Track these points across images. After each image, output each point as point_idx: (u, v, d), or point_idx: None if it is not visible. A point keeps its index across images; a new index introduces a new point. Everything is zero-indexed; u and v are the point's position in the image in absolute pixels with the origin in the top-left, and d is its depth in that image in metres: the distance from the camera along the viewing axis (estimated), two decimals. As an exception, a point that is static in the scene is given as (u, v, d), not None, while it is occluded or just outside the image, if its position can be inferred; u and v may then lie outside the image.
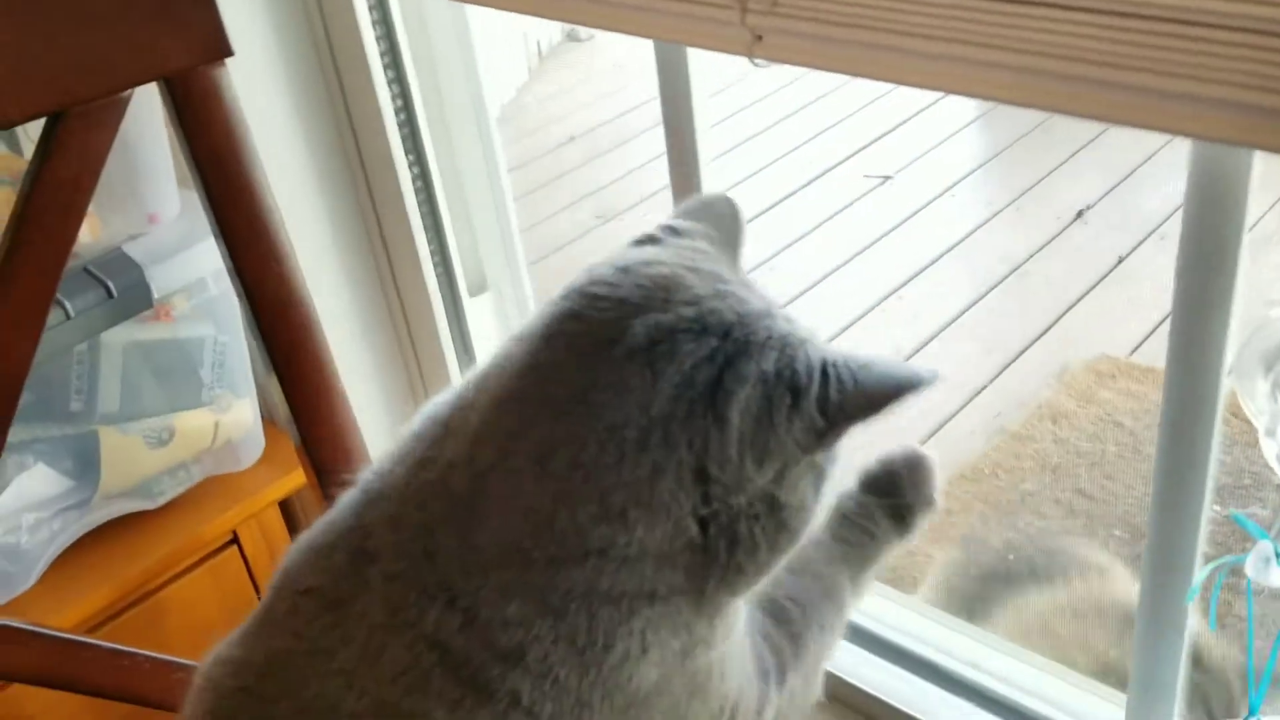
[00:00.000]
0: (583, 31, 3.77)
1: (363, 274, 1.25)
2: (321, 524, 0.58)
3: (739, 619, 0.59)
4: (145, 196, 1.04)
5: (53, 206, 0.85)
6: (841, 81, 3.40)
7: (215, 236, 0.92)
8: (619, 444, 0.50)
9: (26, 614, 1.07)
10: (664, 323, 0.51)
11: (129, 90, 0.88)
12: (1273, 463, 0.69)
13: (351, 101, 1.16)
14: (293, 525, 1.24)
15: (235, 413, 1.16)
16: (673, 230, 0.58)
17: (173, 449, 1.13)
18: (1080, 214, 2.78)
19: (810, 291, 2.63)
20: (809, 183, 3.08)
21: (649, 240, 0.57)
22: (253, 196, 0.93)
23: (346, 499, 0.57)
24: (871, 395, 0.51)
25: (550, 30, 3.78)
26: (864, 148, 3.18)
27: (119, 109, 0.88)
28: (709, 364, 0.51)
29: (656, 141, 3.38)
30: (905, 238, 2.81)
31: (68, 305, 0.97)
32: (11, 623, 0.89)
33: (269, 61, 1.13)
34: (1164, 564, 0.82)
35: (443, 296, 1.25)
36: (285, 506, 1.24)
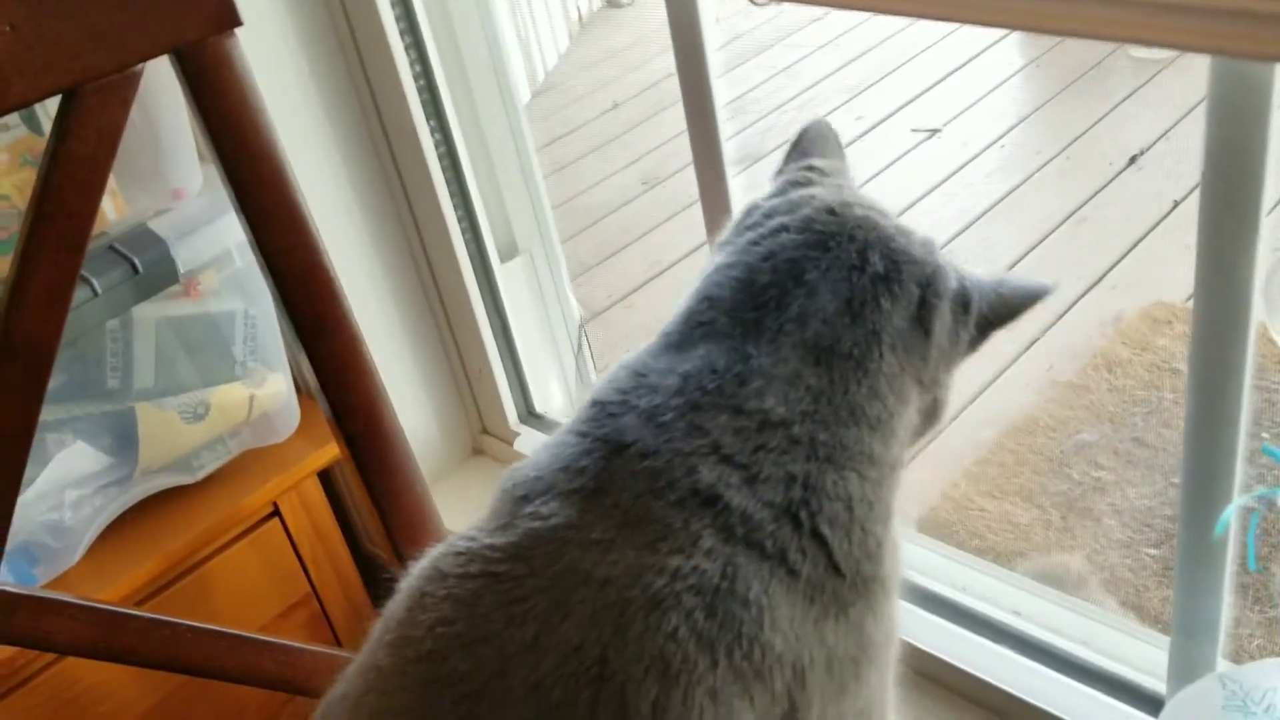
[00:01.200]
0: (622, -4, 3.75)
1: (392, 244, 1.26)
2: (539, 457, 0.61)
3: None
4: (168, 172, 1.05)
5: (72, 183, 0.86)
6: (887, 34, 3.34)
7: (235, 209, 0.92)
8: (878, 347, 0.61)
9: (74, 589, 1.09)
10: (888, 254, 0.63)
11: (141, 64, 0.88)
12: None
13: (371, 71, 1.16)
14: (332, 495, 1.25)
15: (270, 385, 1.17)
16: (820, 170, 0.70)
17: (209, 423, 1.14)
18: (1133, 159, 2.71)
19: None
20: (857, 138, 3.03)
21: (806, 182, 0.69)
22: (270, 166, 0.94)
23: (570, 428, 0.62)
24: (1011, 304, 0.64)
25: (590, -5, 3.77)
26: (910, 101, 3.12)
27: (132, 83, 0.89)
28: (918, 287, 0.62)
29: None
30: (954, 190, 2.76)
31: (94, 282, 0.98)
32: (54, 595, 0.90)
33: (286, 34, 1.13)
34: (1200, 500, 0.80)
35: (472, 263, 1.25)
36: (324, 477, 1.25)
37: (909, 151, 2.93)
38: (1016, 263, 2.45)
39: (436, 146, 1.18)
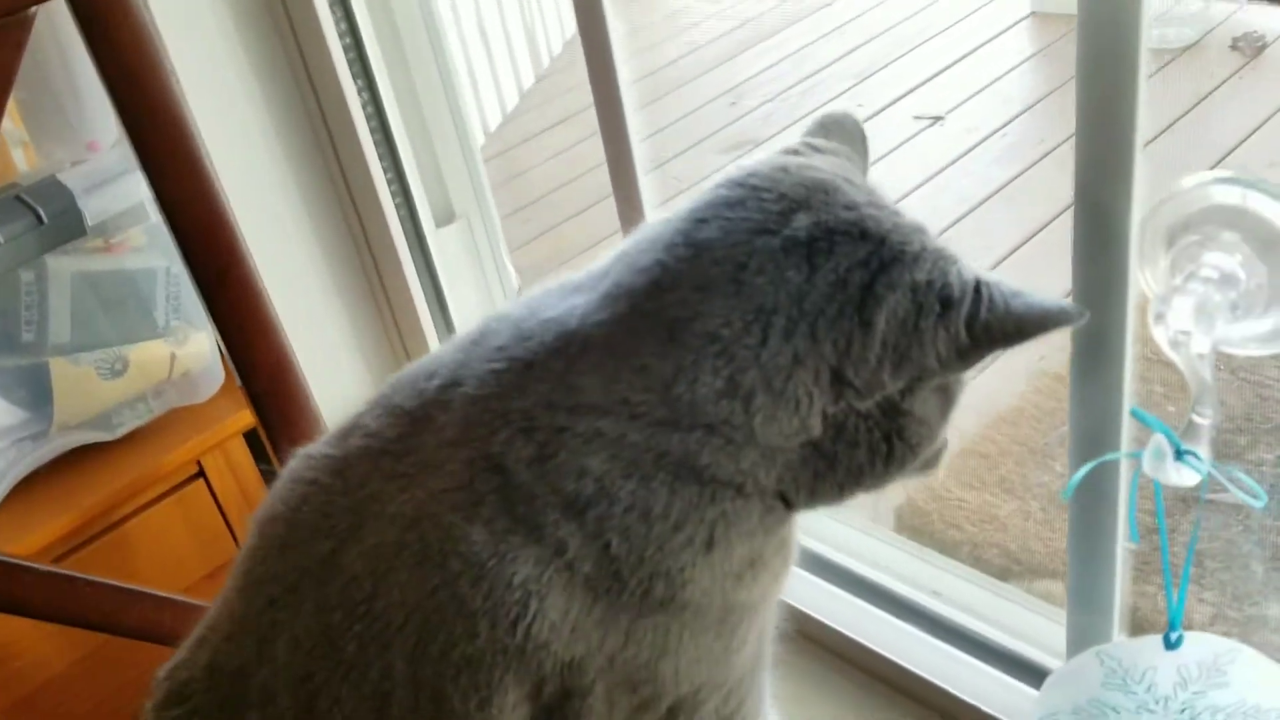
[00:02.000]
0: (632, -18, 3.73)
1: (326, 208, 1.25)
2: (429, 356, 0.59)
3: (776, 594, 0.60)
4: (82, 124, 1.04)
5: None
6: (893, 21, 3.30)
7: (136, 159, 0.91)
8: (764, 328, 0.51)
9: (-16, 541, 1.09)
10: (824, 221, 0.52)
11: (33, 8, 0.88)
12: (1165, 349, 0.64)
13: (300, 35, 1.15)
14: (259, 456, 1.24)
15: (192, 345, 1.17)
16: (814, 148, 0.59)
17: (128, 380, 1.13)
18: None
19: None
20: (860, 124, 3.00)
21: (795, 152, 0.58)
22: (167, 114, 0.93)
23: (460, 338, 0.59)
24: (1021, 321, 0.52)
25: (600, -19, 3.74)
26: (915, 89, 3.08)
27: (25, 27, 0.88)
28: (863, 268, 0.52)
29: (709, 86, 3.31)
30: (954, 177, 2.73)
31: (-3, 231, 0.98)
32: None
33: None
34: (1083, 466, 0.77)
35: (404, 227, 1.24)
36: (252, 437, 1.24)
37: (910, 139, 2.90)
38: (1013, 251, 2.41)
39: (365, 107, 1.17)
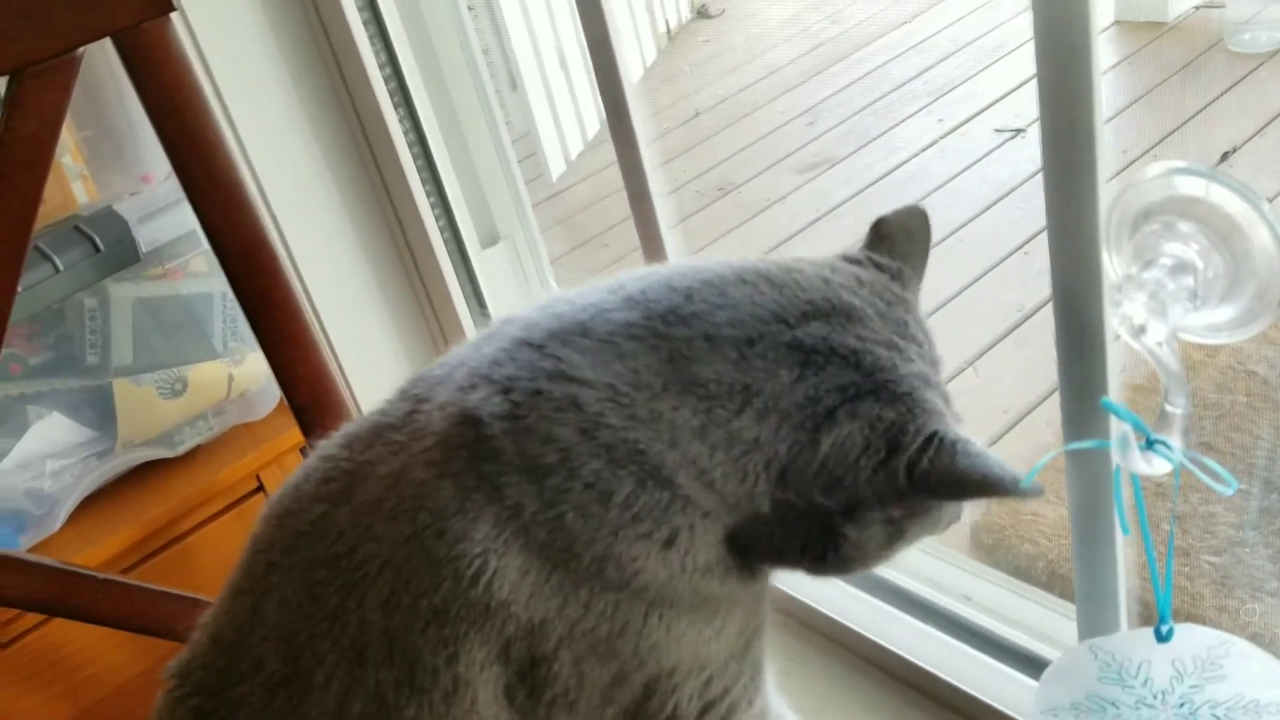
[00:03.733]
0: (713, 6, 3.76)
1: (375, 233, 1.30)
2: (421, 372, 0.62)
3: (765, 592, 0.62)
4: (136, 157, 1.11)
5: (18, 163, 0.91)
6: (972, 37, 3.28)
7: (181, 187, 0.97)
8: (744, 402, 0.54)
9: (56, 555, 1.15)
10: (831, 339, 0.56)
11: (80, 49, 0.94)
12: (1125, 336, 0.64)
13: (344, 66, 1.20)
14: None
15: (249, 365, 1.22)
16: (876, 264, 0.62)
17: (188, 400, 1.20)
18: (1225, 156, 2.59)
19: (937, 248, 2.55)
20: (938, 139, 2.98)
21: (853, 262, 0.62)
22: (206, 144, 0.98)
23: (475, 337, 0.62)
24: (962, 480, 0.54)
25: (681, 7, 3.79)
26: (995, 102, 3.05)
27: (72, 68, 0.95)
28: (838, 393, 0.55)
29: (779, 112, 3.31)
30: (1038, 192, 2.68)
31: (56, 260, 1.05)
32: (11, 554, 0.96)
33: (260, 23, 1.18)
34: (1083, 460, 0.77)
35: (449, 250, 1.28)
36: (307, 452, 1.29)
37: (991, 152, 2.86)
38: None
39: (406, 135, 1.22)
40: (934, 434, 0.54)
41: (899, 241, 0.64)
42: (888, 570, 1.05)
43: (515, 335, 0.58)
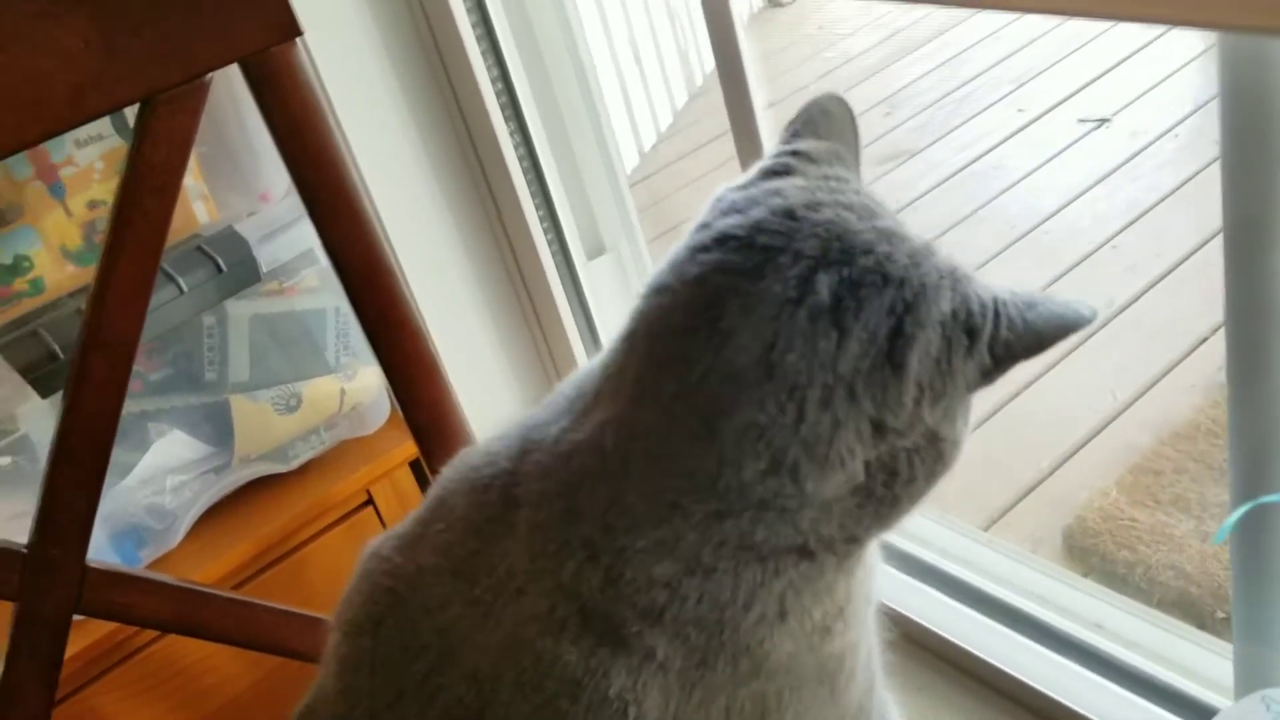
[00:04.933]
0: (785, -4, 3.74)
1: (481, 244, 1.30)
2: (482, 450, 0.59)
3: (869, 620, 0.60)
4: (256, 177, 1.12)
5: (147, 188, 0.91)
6: (1053, 24, 3.22)
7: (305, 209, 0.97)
8: (800, 404, 0.50)
9: (174, 570, 1.17)
10: (846, 277, 0.51)
11: (209, 75, 0.95)
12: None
13: (454, 79, 1.20)
14: (424, 484, 1.30)
15: (361, 380, 1.23)
16: (807, 157, 0.57)
17: (302, 415, 1.20)
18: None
19: (1020, 242, 2.51)
20: (1019, 130, 2.94)
21: (784, 170, 0.56)
22: (331, 167, 0.98)
23: (507, 432, 0.59)
24: (1040, 333, 0.52)
25: (752, -2, 3.77)
26: (1077, 92, 3.00)
27: (201, 93, 0.95)
28: (890, 315, 0.51)
29: (862, 97, 3.28)
30: (1122, 182, 2.64)
31: (180, 280, 1.05)
32: (136, 572, 0.97)
33: (374, 41, 1.18)
34: (1249, 498, 0.75)
35: (555, 260, 1.28)
36: (416, 466, 1.30)
37: (1075, 142, 2.81)
38: (1188, 257, 2.32)
39: (516, 149, 1.22)
40: (994, 303, 0.52)
41: (820, 124, 0.59)
42: (1018, 598, 1.03)
43: (560, 475, 0.55)
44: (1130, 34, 3.01)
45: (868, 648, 0.61)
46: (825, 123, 0.59)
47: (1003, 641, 1.01)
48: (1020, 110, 2.99)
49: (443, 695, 0.55)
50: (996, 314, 0.51)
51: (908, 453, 0.53)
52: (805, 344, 0.50)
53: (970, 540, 1.13)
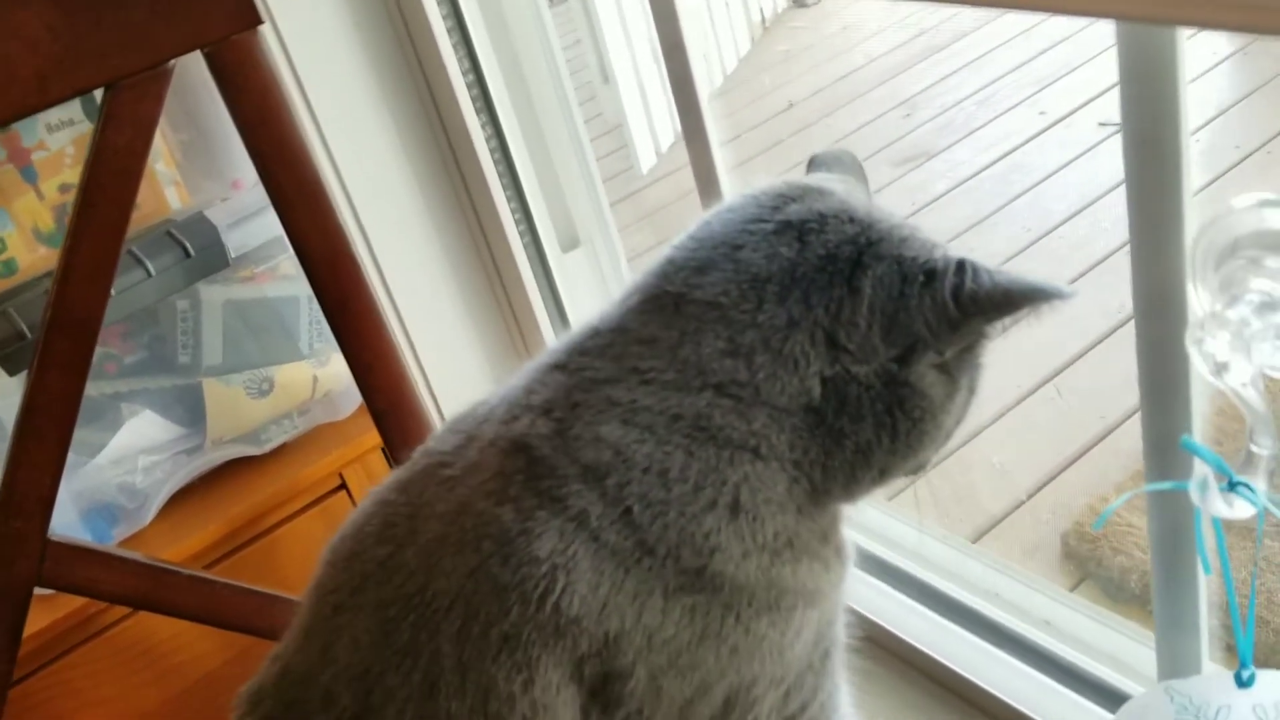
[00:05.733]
0: (808, -5, 3.73)
1: (457, 237, 1.32)
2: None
3: (833, 591, 0.61)
4: (228, 163, 1.14)
5: (111, 172, 0.94)
6: (1077, 28, 3.19)
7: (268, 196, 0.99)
8: (759, 294, 0.55)
9: (146, 549, 1.19)
10: (815, 207, 0.57)
11: (172, 61, 0.97)
12: (1206, 375, 0.61)
13: (428, 71, 1.21)
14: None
15: (334, 366, 1.25)
16: (814, 190, 0.61)
17: (274, 399, 1.22)
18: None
19: (1038, 244, 2.49)
20: (1039, 133, 2.91)
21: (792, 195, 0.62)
22: (293, 154, 1.00)
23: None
24: (1008, 293, 0.54)
25: (776, -4, 3.76)
26: (1099, 95, 2.96)
27: (164, 79, 0.97)
28: (851, 244, 0.56)
29: (876, 104, 3.27)
30: (1140, 188, 2.60)
31: (149, 264, 1.08)
32: (103, 548, 0.99)
33: (346, 30, 1.20)
34: (1165, 497, 0.75)
35: (529, 254, 1.29)
36: (389, 452, 1.31)
37: (1095, 146, 2.79)
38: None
39: (488, 140, 1.23)
40: (963, 260, 0.55)
41: (834, 170, 0.65)
42: (968, 594, 1.03)
43: (543, 363, 0.60)
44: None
45: (825, 618, 0.61)
46: (836, 167, 0.66)
47: (944, 633, 1.01)
48: (1042, 113, 2.96)
49: (398, 573, 0.57)
50: (962, 267, 0.54)
51: (861, 387, 0.55)
52: (768, 246, 0.56)
53: (957, 551, 1.12)
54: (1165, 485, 0.68)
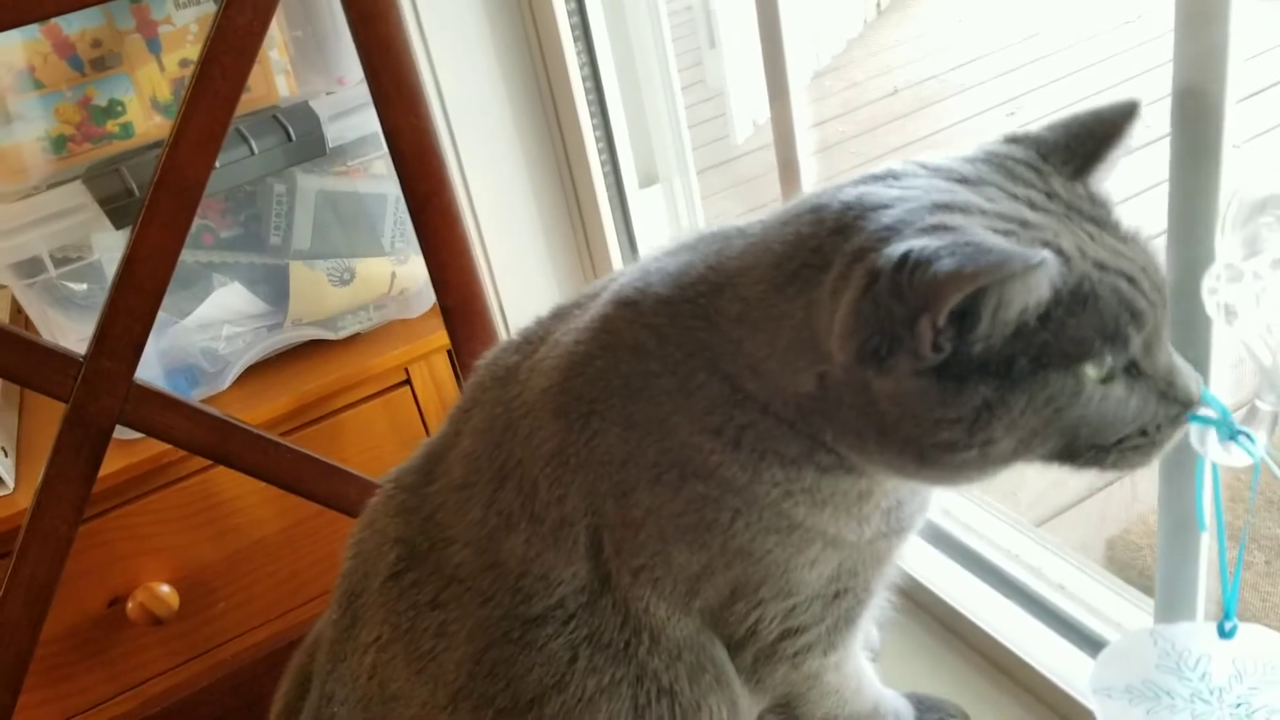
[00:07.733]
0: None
1: (541, 157, 1.37)
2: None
3: (865, 541, 0.65)
4: (336, 60, 1.21)
5: (229, 48, 1.01)
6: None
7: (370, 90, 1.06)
8: (773, 279, 0.59)
9: (219, 409, 1.26)
10: (846, 196, 0.58)
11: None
12: (1218, 320, 0.64)
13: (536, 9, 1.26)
14: (457, 374, 1.38)
15: (412, 266, 1.32)
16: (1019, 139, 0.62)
17: (354, 289, 1.29)
18: None
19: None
20: (1144, 146, 2.88)
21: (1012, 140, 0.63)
22: (397, 54, 1.07)
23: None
24: (955, 276, 0.49)
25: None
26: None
27: (286, -30, 1.04)
28: (823, 245, 0.57)
29: (981, 96, 3.26)
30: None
31: (253, 142, 1.15)
32: (182, 398, 1.06)
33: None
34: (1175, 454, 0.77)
35: (607, 186, 1.34)
36: (454, 357, 1.37)
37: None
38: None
39: (582, 69, 1.28)
40: (907, 252, 0.50)
41: (1078, 125, 0.63)
42: (978, 543, 1.06)
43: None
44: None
45: (848, 565, 0.66)
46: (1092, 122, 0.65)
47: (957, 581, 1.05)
48: (1148, 126, 2.93)
49: (511, 381, 0.69)
50: (904, 261, 0.51)
51: (852, 393, 0.56)
52: (796, 222, 0.59)
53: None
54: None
